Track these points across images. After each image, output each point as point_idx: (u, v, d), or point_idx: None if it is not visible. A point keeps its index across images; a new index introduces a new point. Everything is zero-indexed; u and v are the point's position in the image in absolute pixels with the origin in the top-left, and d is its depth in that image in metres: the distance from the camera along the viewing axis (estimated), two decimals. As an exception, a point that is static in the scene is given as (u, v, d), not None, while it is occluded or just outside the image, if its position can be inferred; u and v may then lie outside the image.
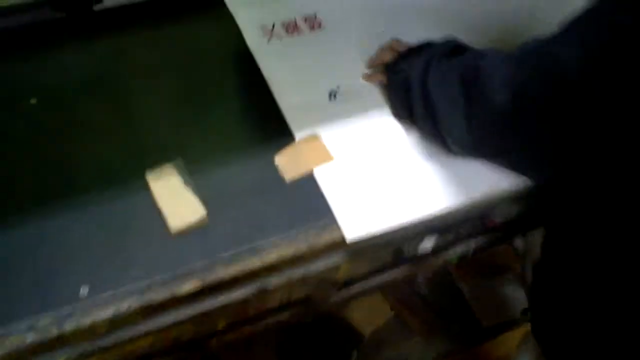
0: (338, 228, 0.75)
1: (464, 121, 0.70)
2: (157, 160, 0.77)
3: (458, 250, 0.96)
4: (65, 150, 0.78)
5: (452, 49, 0.78)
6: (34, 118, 0.81)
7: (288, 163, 0.80)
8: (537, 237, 1.38)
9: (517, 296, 1.50)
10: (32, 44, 0.88)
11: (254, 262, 0.71)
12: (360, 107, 0.87)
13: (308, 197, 0.78)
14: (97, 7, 0.95)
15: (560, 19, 0.62)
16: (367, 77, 0.90)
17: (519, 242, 1.51)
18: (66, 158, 0.78)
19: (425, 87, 0.75)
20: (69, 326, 0.64)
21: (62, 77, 0.86)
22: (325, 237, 0.74)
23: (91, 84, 0.86)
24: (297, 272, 0.76)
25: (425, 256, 0.89)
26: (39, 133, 0.79)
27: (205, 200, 0.74)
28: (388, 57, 0.87)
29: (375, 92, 0.89)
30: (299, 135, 0.83)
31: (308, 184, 0.79)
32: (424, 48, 0.82)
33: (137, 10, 0.96)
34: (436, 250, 0.89)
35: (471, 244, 0.97)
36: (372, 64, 0.91)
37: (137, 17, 0.95)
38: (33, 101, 0.82)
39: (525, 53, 0.64)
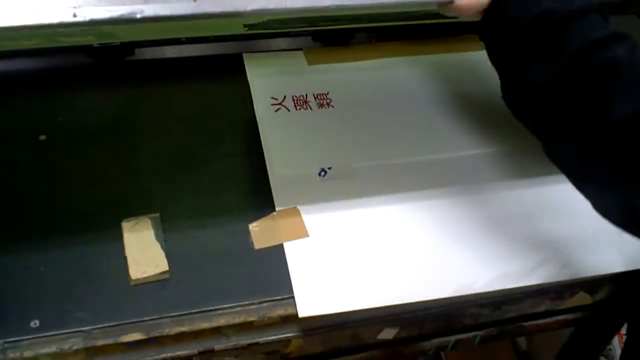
0: (294, 302, 0.76)
1: None
2: (137, 210, 0.82)
3: (435, 342, 0.96)
4: (55, 186, 0.84)
5: None
6: (37, 153, 0.87)
7: (261, 232, 0.83)
8: (541, 337, 1.34)
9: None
10: (56, 84, 0.96)
11: (201, 325, 0.74)
12: (346, 190, 0.89)
13: (272, 267, 0.80)
14: (128, 58, 1.02)
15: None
16: None
17: (522, 340, 1.47)
18: (54, 194, 0.83)
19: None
20: (12, 355, 0.69)
21: (77, 119, 0.92)
22: (279, 310, 0.77)
23: (100, 130, 0.92)
24: (245, 339, 0.78)
25: (390, 344, 0.89)
26: (38, 168, 0.86)
27: (171, 257, 0.78)
28: None
29: (365, 179, 0.91)
30: (280, 206, 0.86)
31: (275, 254, 0.81)
32: None
33: (164, 65, 1.03)
34: (401, 342, 0.89)
35: (451, 339, 0.97)
36: None
37: (162, 72, 1.02)
38: (42, 137, 0.89)
39: None
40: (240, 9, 0.74)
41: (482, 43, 0.74)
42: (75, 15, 0.67)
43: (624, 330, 1.44)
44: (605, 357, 1.48)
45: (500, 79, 0.73)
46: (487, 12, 0.71)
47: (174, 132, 0.94)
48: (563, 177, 0.73)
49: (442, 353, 1.48)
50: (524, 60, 0.68)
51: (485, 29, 0.72)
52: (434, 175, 0.92)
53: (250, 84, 1.01)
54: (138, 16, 0.70)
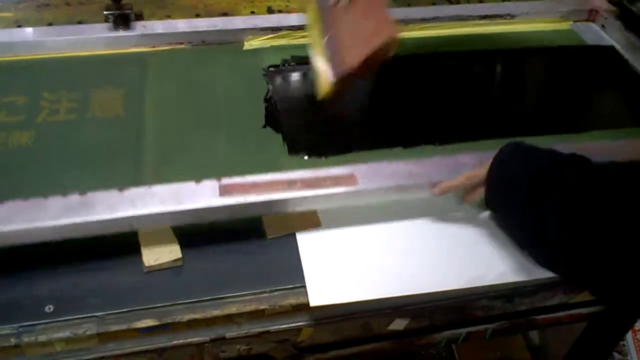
0: (305, 291, 0.77)
1: None
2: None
3: (446, 334, 0.96)
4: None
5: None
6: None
7: (274, 221, 0.83)
8: (554, 332, 1.34)
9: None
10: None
11: (213, 312, 0.74)
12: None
13: (284, 256, 0.80)
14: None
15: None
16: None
17: (534, 335, 1.46)
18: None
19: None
20: (26, 339, 0.70)
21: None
22: (291, 299, 0.77)
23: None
24: (256, 327, 0.78)
25: (401, 336, 0.89)
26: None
27: (184, 244, 0.79)
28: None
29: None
30: (293, 196, 0.86)
31: (288, 243, 0.82)
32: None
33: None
34: (412, 333, 0.89)
35: (462, 331, 0.96)
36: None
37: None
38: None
39: None
40: None
41: None
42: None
43: (638, 326, 1.44)
44: (619, 353, 1.47)
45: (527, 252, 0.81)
46: (486, 197, 0.81)
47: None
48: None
49: (453, 346, 1.48)
50: (538, 219, 0.73)
51: (491, 208, 0.83)
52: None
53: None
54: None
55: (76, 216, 0.72)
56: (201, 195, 0.77)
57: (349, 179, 0.81)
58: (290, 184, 0.79)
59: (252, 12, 1.16)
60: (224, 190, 0.77)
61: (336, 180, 0.81)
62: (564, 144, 0.81)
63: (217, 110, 0.96)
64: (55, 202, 0.74)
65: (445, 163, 0.85)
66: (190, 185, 0.78)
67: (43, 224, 0.72)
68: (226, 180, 0.79)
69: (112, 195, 0.76)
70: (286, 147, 0.91)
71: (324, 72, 0.90)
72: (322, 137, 0.94)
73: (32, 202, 0.74)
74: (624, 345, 1.47)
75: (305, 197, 0.79)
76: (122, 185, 0.77)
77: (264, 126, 0.94)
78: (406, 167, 0.84)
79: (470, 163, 0.84)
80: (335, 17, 0.92)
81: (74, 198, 0.74)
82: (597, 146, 0.90)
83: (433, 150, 0.93)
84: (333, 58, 0.89)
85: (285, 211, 0.81)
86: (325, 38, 0.91)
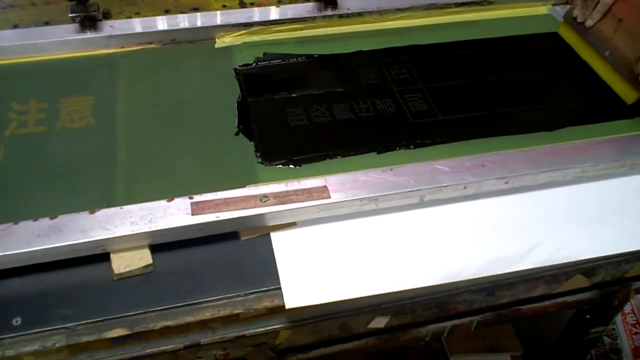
0: (280, 294, 0.75)
1: None
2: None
3: (430, 328, 0.95)
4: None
5: None
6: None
7: (248, 222, 0.82)
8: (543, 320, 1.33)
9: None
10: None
11: (186, 318, 0.73)
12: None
13: (259, 257, 0.79)
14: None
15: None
16: None
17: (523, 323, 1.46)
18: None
19: None
20: (-6, 353, 0.68)
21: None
22: (266, 302, 0.75)
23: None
24: (232, 332, 0.77)
25: (384, 331, 0.88)
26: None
27: (155, 248, 0.77)
28: None
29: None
30: (266, 195, 0.84)
31: (262, 244, 0.80)
32: None
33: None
34: (394, 329, 0.88)
35: (446, 324, 0.95)
36: None
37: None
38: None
39: None
40: None
41: None
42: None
43: (628, 309, 1.43)
44: (609, 337, 1.47)
45: None
46: None
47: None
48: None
49: (442, 337, 1.47)
50: None
51: None
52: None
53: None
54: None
55: (47, 242, 0.71)
56: (173, 215, 0.76)
57: (322, 191, 0.80)
58: (263, 199, 0.78)
59: (224, 6, 1.13)
60: (196, 208, 0.76)
61: (309, 193, 0.79)
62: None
63: (190, 116, 0.93)
64: (25, 227, 0.73)
65: (418, 170, 0.84)
66: (161, 204, 0.77)
67: (13, 251, 0.71)
68: (198, 197, 0.77)
69: (82, 217, 0.74)
70: (259, 156, 0.88)
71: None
72: (297, 144, 0.90)
73: (2, 227, 0.72)
74: (613, 329, 1.46)
75: (278, 212, 0.78)
76: (93, 204, 0.77)
77: (236, 133, 0.91)
78: (380, 177, 0.82)
79: (446, 170, 0.83)
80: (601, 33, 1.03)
81: (45, 222, 0.73)
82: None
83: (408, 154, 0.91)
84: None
85: (259, 226, 0.80)
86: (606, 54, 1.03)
